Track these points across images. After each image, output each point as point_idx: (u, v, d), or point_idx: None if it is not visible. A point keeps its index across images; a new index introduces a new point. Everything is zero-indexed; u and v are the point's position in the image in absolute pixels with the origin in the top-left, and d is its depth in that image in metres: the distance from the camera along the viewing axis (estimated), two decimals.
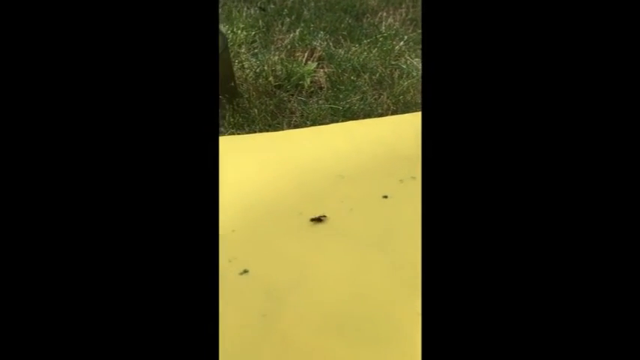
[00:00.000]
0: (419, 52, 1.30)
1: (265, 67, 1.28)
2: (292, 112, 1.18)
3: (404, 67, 1.28)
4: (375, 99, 1.19)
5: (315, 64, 1.30)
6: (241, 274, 0.80)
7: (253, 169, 0.99)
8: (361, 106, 1.17)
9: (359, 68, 1.27)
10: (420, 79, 1.15)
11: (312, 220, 0.88)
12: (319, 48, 1.35)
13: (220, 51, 1.09)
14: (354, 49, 1.35)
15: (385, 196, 0.91)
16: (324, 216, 0.88)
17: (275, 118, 1.16)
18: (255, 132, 1.12)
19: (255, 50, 1.36)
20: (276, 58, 1.32)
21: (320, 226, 0.87)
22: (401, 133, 1.04)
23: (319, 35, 1.39)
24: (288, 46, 1.37)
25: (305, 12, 1.49)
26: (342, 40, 1.39)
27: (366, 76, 1.24)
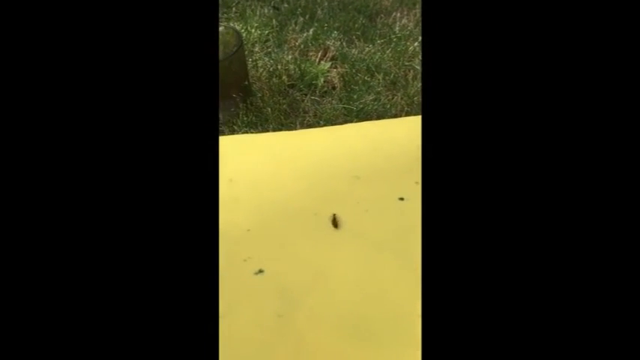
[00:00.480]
0: None
1: (279, 67, 1.28)
2: (305, 112, 1.18)
3: (418, 67, 1.27)
4: (389, 99, 1.19)
5: (328, 64, 1.30)
6: (256, 273, 0.80)
7: (268, 168, 0.99)
8: (375, 107, 1.16)
9: (373, 68, 1.27)
10: None
11: (333, 224, 0.87)
12: (333, 48, 1.35)
13: (235, 49, 1.09)
14: (367, 49, 1.34)
15: (401, 199, 0.91)
16: (335, 214, 0.88)
17: (288, 118, 1.15)
18: (268, 131, 1.11)
19: (269, 49, 1.36)
20: (290, 57, 1.32)
21: (335, 227, 0.87)
22: (415, 135, 1.04)
23: (333, 35, 1.39)
24: (302, 46, 1.36)
25: (319, 12, 1.49)
26: (356, 40, 1.38)
27: (379, 77, 1.24)
